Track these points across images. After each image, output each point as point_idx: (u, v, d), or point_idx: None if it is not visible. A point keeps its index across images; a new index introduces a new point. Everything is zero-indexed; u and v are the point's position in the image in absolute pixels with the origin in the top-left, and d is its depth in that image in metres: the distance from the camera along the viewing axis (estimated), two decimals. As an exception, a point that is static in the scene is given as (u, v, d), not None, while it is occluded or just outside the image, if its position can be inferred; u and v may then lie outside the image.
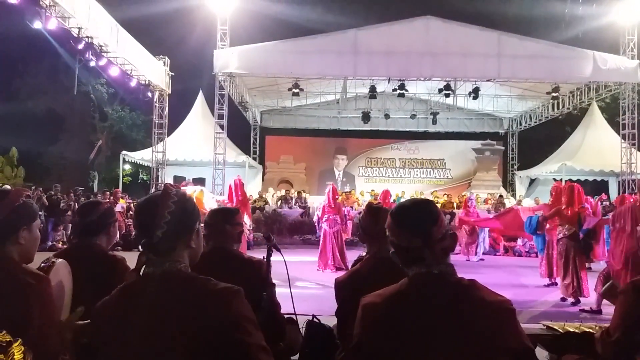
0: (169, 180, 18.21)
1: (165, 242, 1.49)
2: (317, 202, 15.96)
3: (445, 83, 16.11)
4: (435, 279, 1.54)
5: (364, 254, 2.83)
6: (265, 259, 2.79)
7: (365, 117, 20.01)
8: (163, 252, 1.50)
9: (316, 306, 4.82)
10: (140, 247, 1.58)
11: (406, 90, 16.57)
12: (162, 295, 1.46)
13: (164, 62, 17.03)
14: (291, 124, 22.80)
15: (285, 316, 2.90)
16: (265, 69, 15.33)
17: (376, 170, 22.79)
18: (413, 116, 20.85)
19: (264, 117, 23.11)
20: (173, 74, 17.45)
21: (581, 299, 6.97)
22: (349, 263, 9.54)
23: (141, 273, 1.55)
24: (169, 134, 18.24)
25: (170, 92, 17.51)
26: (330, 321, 2.98)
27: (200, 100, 19.85)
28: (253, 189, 18.70)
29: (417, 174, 22.64)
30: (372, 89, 16.77)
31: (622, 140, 16.37)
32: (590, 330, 2.64)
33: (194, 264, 1.62)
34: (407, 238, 1.58)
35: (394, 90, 16.68)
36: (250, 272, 2.72)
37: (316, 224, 11.12)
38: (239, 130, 20.66)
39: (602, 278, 6.40)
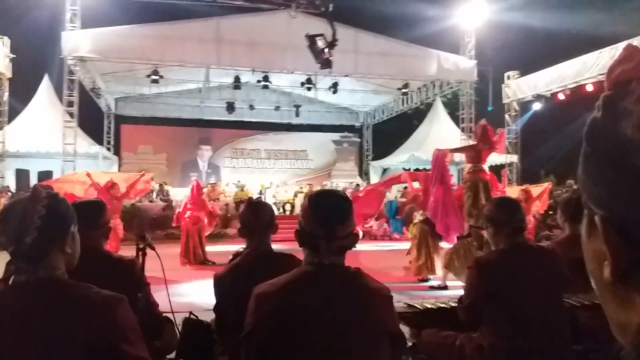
0: (9, 173, 16.39)
1: (36, 248, 1.40)
2: (180, 194, 15.48)
3: (307, 77, 16.56)
4: (326, 269, 1.64)
5: (242, 249, 2.87)
6: (136, 258, 2.71)
7: (230, 107, 19.82)
8: (34, 259, 1.41)
9: (190, 302, 4.75)
10: (9, 255, 1.47)
11: (270, 82, 16.73)
12: (38, 305, 1.38)
13: (3, 42, 15.14)
14: (150, 112, 21.66)
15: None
16: (121, 53, 14.41)
17: (242, 161, 22.70)
18: (277, 108, 21.13)
19: (120, 105, 21.65)
20: (14, 56, 15.60)
21: (432, 277, 7.73)
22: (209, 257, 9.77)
23: (10, 282, 1.45)
24: (9, 122, 16.32)
25: (10, 76, 15.65)
26: (207, 316, 2.99)
27: (45, 86, 17.94)
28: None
29: (281, 165, 23.01)
30: (237, 79, 16.67)
31: (462, 133, 18.27)
32: (445, 306, 3.00)
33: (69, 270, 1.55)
34: (312, 225, 1.65)
35: (259, 81, 16.75)
36: (122, 273, 2.61)
37: (176, 219, 10.64)
38: (91, 118, 19.15)
39: (447, 256, 7.20)
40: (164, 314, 2.83)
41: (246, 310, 1.76)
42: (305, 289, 1.63)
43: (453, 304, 2.97)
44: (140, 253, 2.64)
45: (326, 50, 11.29)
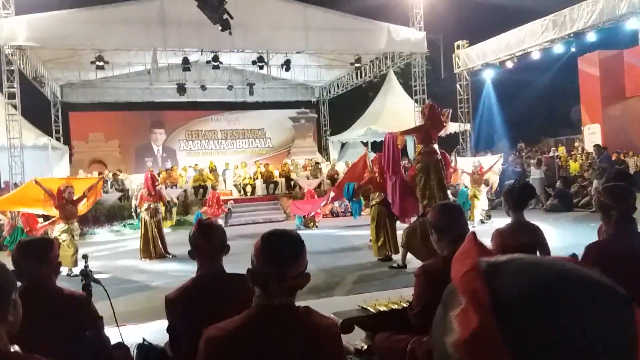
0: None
1: None
2: (136, 181, 15.15)
3: (257, 55, 16.29)
4: (274, 311, 1.67)
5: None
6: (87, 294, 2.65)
7: (181, 88, 19.27)
8: None
9: (147, 313, 4.71)
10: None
11: (220, 62, 16.39)
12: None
13: None
14: (98, 97, 20.87)
15: (114, 342, 2.82)
16: (63, 40, 13.85)
17: (198, 143, 22.24)
18: (230, 87, 20.73)
19: (66, 92, 20.78)
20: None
21: (394, 256, 7.89)
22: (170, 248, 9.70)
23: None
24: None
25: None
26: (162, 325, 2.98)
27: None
28: (60, 174, 16.92)
29: (239, 145, 22.70)
30: (185, 60, 16.23)
31: (415, 104, 18.45)
32: (397, 307, 3.09)
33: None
34: (263, 264, 1.67)
35: (208, 62, 16.37)
36: (74, 309, 2.56)
37: (133, 212, 10.49)
38: (36, 107, 18.33)
39: (405, 235, 7.37)
40: (118, 342, 2.82)
41: (199, 334, 1.78)
42: (255, 334, 1.66)
43: (405, 305, 3.07)
44: (86, 290, 2.60)
45: (221, 9, 10.80)
